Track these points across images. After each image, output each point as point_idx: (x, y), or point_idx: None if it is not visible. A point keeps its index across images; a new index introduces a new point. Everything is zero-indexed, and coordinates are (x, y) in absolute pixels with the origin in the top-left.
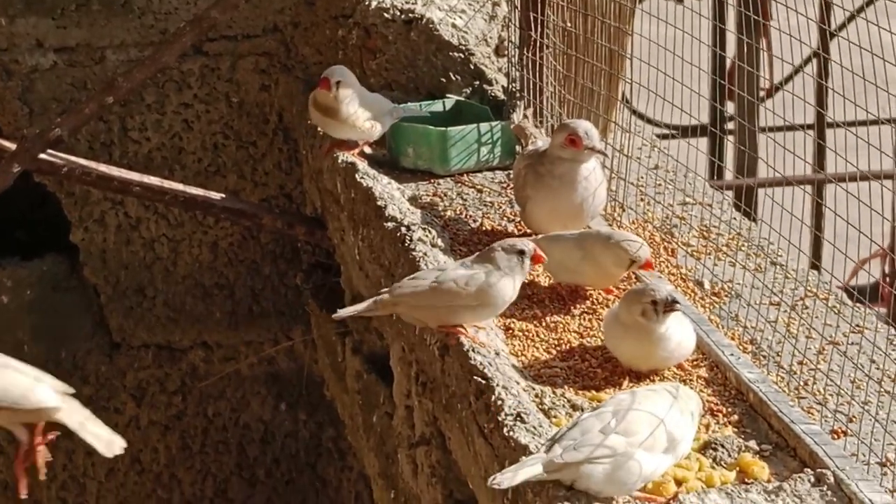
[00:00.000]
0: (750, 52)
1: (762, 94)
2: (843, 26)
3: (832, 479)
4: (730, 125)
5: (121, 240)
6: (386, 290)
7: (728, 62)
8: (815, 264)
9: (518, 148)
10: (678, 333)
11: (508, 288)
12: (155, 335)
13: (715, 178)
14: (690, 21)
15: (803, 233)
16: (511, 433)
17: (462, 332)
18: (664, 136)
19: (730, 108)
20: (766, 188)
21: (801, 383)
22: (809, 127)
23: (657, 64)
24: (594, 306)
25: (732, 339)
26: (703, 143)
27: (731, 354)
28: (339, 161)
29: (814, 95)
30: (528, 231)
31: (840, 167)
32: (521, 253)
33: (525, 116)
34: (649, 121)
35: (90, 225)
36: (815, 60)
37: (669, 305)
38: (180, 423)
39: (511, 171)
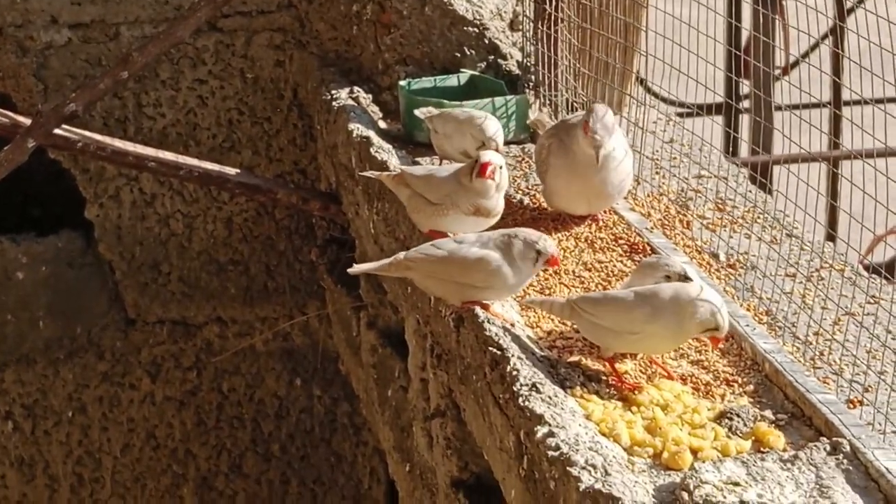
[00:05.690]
0: (766, 27)
1: (778, 71)
2: (860, 1)
3: (848, 447)
4: (745, 103)
5: (136, 216)
6: (403, 252)
7: (744, 38)
8: (832, 234)
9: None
10: None
11: (514, 278)
12: (170, 311)
13: (731, 154)
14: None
15: (820, 209)
16: (526, 403)
17: (484, 304)
18: (680, 115)
19: (744, 86)
20: (783, 165)
21: (817, 353)
22: (825, 105)
23: (673, 40)
24: (609, 278)
25: (748, 310)
26: (719, 120)
27: (747, 325)
28: (354, 135)
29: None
30: (547, 208)
31: (857, 143)
32: (539, 253)
33: (541, 111)
34: (664, 100)
35: (105, 201)
36: (831, 35)
37: (683, 280)
38: (195, 398)
39: (526, 146)
